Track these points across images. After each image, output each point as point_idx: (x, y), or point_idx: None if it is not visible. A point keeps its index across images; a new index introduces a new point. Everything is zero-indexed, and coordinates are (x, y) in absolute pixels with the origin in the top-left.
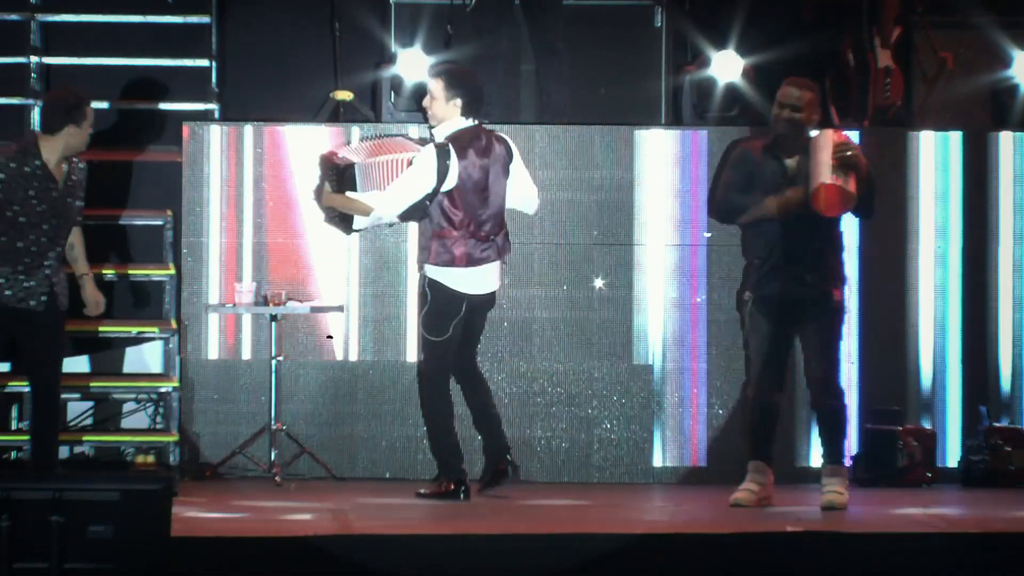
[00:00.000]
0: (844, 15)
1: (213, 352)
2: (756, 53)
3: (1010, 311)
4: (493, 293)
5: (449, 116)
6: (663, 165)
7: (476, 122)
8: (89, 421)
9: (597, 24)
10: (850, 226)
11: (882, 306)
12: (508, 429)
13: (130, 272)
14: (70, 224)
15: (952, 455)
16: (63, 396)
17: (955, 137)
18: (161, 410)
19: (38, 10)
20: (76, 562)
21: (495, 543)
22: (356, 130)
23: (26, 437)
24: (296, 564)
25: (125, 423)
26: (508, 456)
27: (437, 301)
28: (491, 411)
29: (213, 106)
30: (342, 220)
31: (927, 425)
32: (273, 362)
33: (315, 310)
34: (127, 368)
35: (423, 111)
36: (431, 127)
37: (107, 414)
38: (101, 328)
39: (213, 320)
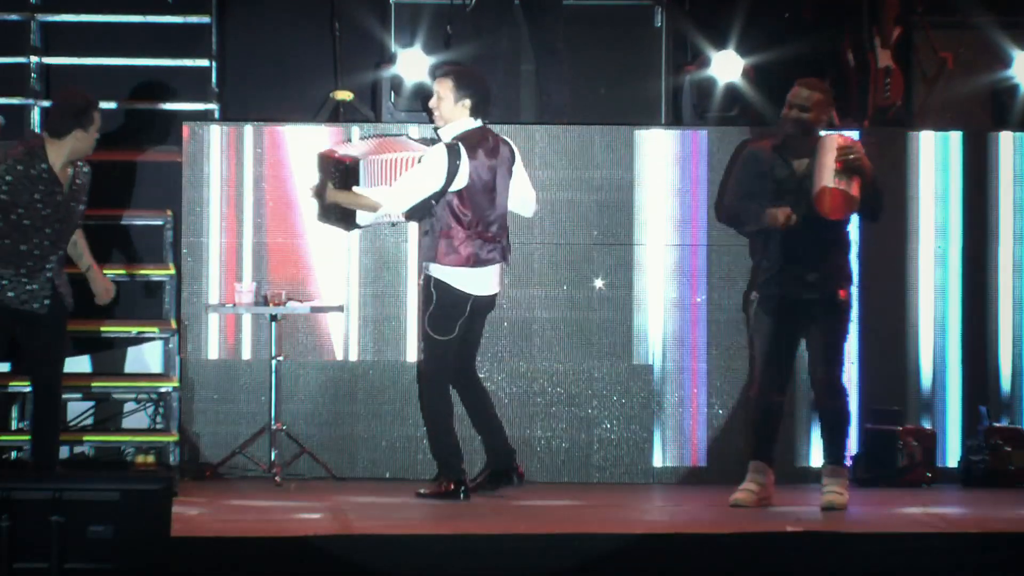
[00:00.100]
0: (844, 15)
1: (213, 352)
2: (756, 53)
3: (1010, 311)
4: (495, 296)
5: (457, 117)
6: (663, 165)
7: (482, 123)
8: (89, 421)
9: (597, 24)
10: (850, 226)
11: (882, 306)
12: (508, 429)
13: (130, 272)
14: (72, 228)
15: (952, 455)
16: (63, 396)
17: (955, 137)
18: (161, 410)
19: (38, 10)
20: (76, 562)
21: (495, 543)
22: (356, 130)
23: (26, 437)
24: (296, 564)
25: (125, 423)
26: (515, 462)
27: (443, 301)
28: (493, 416)
29: (213, 106)
30: (343, 217)
31: (927, 425)
32: (273, 362)
33: (315, 310)
34: (127, 368)
35: (428, 111)
36: (437, 127)
37: (107, 414)
38: (102, 328)
39: (213, 320)
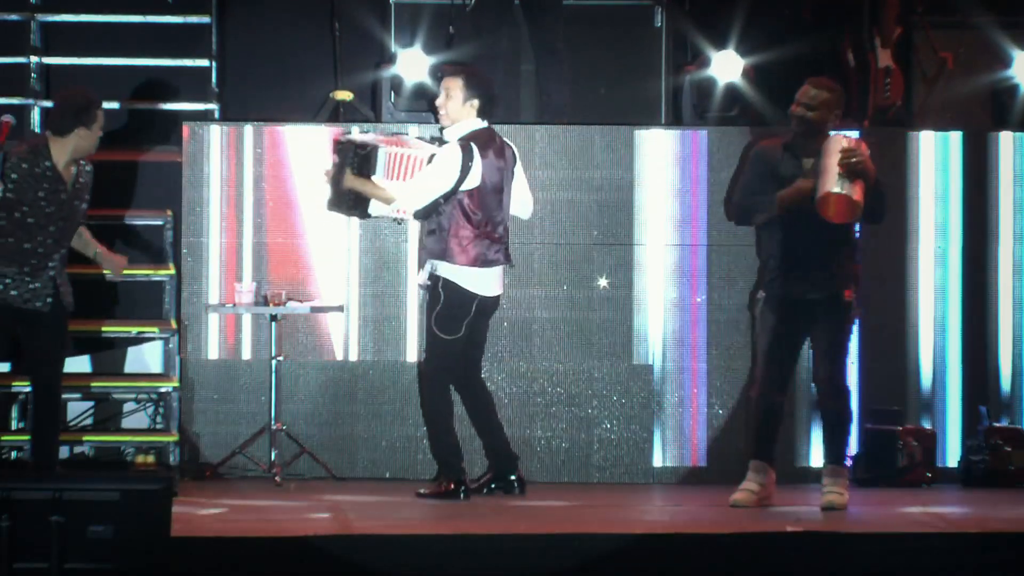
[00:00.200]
0: (844, 15)
1: (213, 352)
2: (756, 53)
3: (1010, 311)
4: (498, 297)
5: (464, 116)
6: (663, 165)
7: (487, 125)
8: (89, 421)
9: (597, 24)
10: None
11: (882, 306)
12: (508, 429)
13: (130, 272)
14: (75, 226)
15: (952, 455)
16: (63, 396)
17: (955, 137)
18: (161, 410)
19: (38, 10)
20: (76, 562)
21: (495, 543)
22: (356, 130)
23: (26, 437)
24: (296, 564)
25: (125, 423)
26: (517, 468)
27: (450, 300)
28: (495, 422)
29: (213, 106)
30: (355, 205)
31: (927, 425)
32: (273, 362)
33: (315, 310)
34: (127, 368)
35: (433, 109)
36: (442, 126)
37: (107, 414)
38: (102, 328)
39: (213, 320)
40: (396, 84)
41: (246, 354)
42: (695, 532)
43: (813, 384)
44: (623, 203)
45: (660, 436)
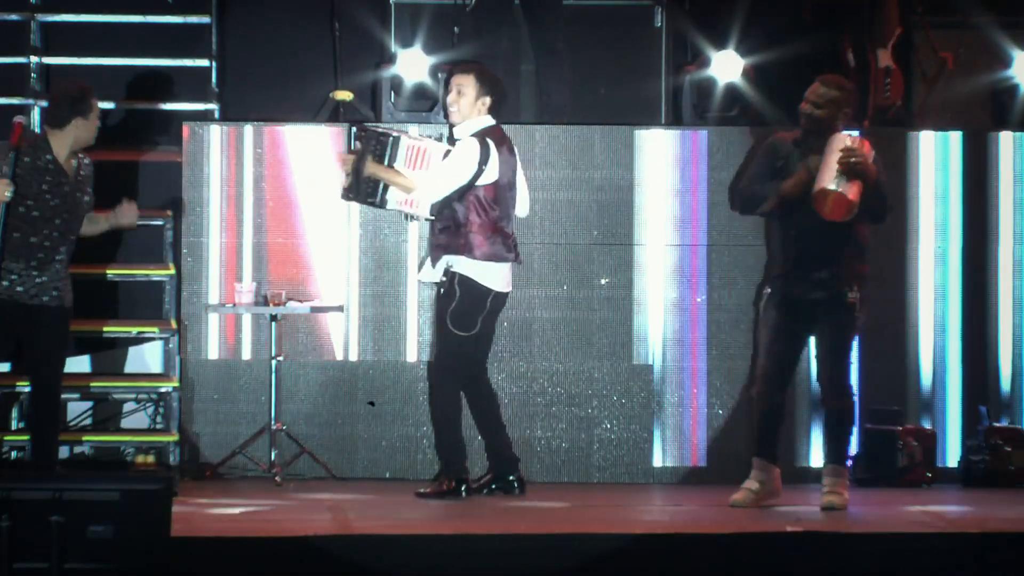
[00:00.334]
0: (844, 15)
1: (213, 352)
2: (756, 53)
3: (1010, 311)
4: (507, 294)
5: (475, 114)
6: (663, 165)
7: (496, 123)
8: (89, 421)
9: (597, 24)
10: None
11: (882, 306)
12: (508, 429)
13: (130, 272)
14: (80, 219)
15: (952, 455)
16: (63, 396)
17: (955, 137)
18: (161, 410)
19: (38, 10)
20: (76, 562)
21: (495, 543)
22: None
23: (26, 437)
24: (296, 564)
25: (125, 423)
26: (518, 470)
27: (465, 296)
28: (499, 422)
29: (213, 106)
30: (372, 193)
31: (927, 425)
32: (273, 362)
33: (315, 310)
34: (127, 368)
35: (442, 104)
36: (452, 123)
37: (107, 414)
38: (102, 328)
39: (213, 320)
40: (396, 84)
41: (246, 354)
42: (695, 532)
43: (817, 384)
44: (623, 203)
45: (660, 436)
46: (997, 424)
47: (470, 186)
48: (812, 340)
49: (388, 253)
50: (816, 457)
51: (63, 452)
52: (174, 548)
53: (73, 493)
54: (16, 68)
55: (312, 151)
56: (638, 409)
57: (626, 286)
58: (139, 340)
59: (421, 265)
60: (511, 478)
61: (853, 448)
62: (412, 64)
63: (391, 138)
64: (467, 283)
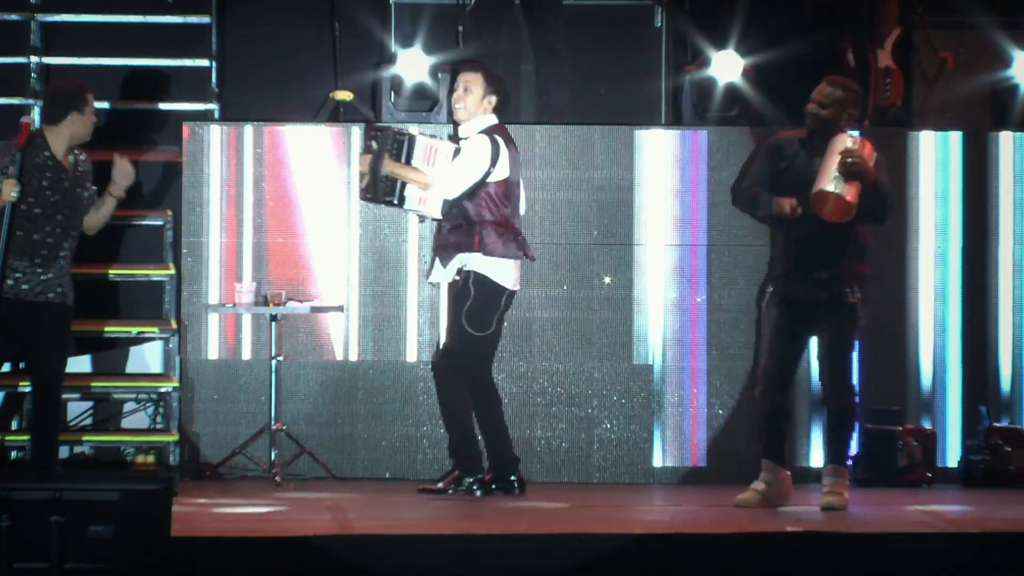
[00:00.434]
0: (844, 15)
1: (213, 352)
2: (756, 53)
3: (1010, 311)
4: (515, 292)
5: (481, 112)
6: (663, 165)
7: (499, 122)
8: (89, 421)
9: (597, 24)
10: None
11: (882, 306)
12: (509, 429)
13: (130, 272)
14: (81, 215)
15: (952, 455)
16: (64, 396)
17: (955, 137)
18: (161, 410)
19: (38, 10)
20: (76, 562)
21: (495, 543)
22: (356, 130)
23: (27, 437)
24: (296, 564)
25: (125, 423)
26: (518, 471)
27: (480, 295)
28: (501, 422)
29: (213, 106)
30: (391, 191)
31: (927, 425)
32: (273, 362)
33: (315, 310)
34: (127, 368)
35: (448, 102)
36: (458, 120)
37: (107, 414)
38: (102, 328)
39: (213, 320)
40: (396, 84)
41: (246, 354)
42: (695, 532)
43: (818, 383)
44: (623, 203)
45: (660, 436)
46: (997, 424)
47: (482, 183)
48: (814, 340)
49: (388, 253)
50: (816, 457)
51: (63, 452)
52: (174, 548)
53: (73, 493)
54: (16, 68)
55: (312, 151)
56: (638, 409)
57: (626, 286)
58: (139, 340)
59: (430, 269)
60: (511, 478)
61: (853, 448)
62: (412, 64)
63: (408, 136)
64: (482, 281)
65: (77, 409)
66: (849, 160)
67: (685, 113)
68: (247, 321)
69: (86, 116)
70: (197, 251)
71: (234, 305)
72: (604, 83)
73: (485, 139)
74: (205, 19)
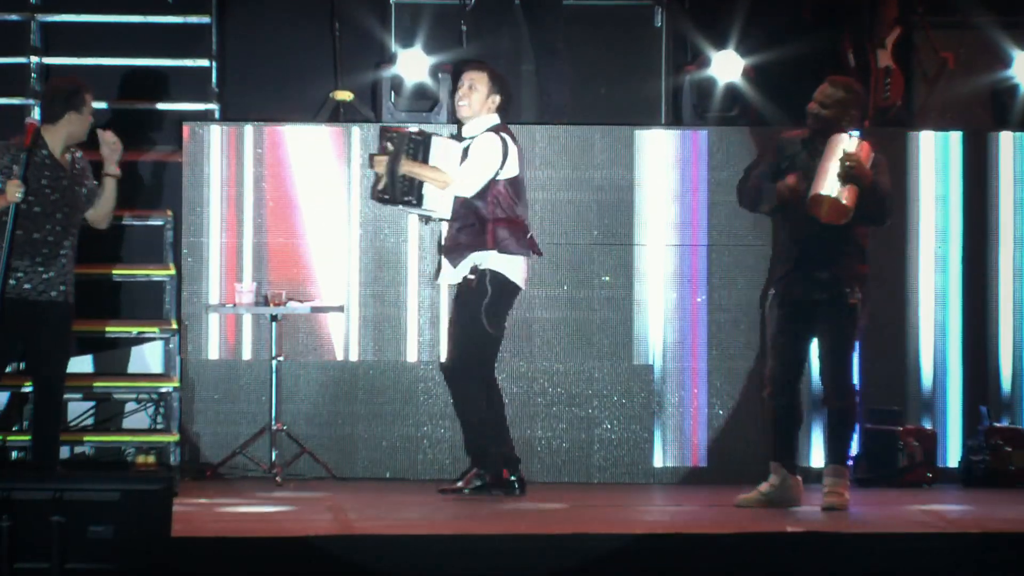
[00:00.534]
0: (844, 15)
1: (213, 352)
2: (756, 53)
3: (1011, 311)
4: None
5: (486, 111)
6: (663, 165)
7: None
8: (90, 421)
9: (597, 24)
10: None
11: (882, 306)
12: (508, 429)
13: (131, 272)
14: (80, 212)
15: (953, 455)
16: (64, 396)
17: (955, 137)
18: (162, 410)
19: (38, 10)
20: (77, 562)
21: (495, 543)
22: (356, 130)
23: (28, 437)
24: (296, 564)
25: (126, 423)
26: (519, 470)
27: (497, 292)
28: (504, 422)
29: (213, 106)
30: (409, 191)
31: (927, 425)
32: (273, 362)
33: (315, 310)
34: (128, 368)
35: (453, 101)
36: (462, 118)
37: (108, 414)
38: (103, 328)
39: (213, 320)
40: (396, 84)
41: (246, 354)
42: (695, 532)
43: (819, 384)
44: (623, 203)
45: (660, 436)
46: (997, 424)
47: (493, 181)
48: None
49: (388, 253)
50: (816, 457)
51: (64, 452)
52: (174, 548)
53: (74, 493)
54: (16, 68)
55: (312, 151)
56: (638, 409)
57: (626, 286)
58: (140, 340)
59: (437, 270)
60: (512, 478)
61: (854, 448)
62: (412, 64)
63: (425, 137)
64: (498, 279)
65: (78, 409)
66: (848, 164)
67: (685, 113)
68: (247, 321)
69: (84, 116)
70: (197, 251)
71: (234, 305)
72: (604, 83)
73: (495, 137)
74: (205, 19)
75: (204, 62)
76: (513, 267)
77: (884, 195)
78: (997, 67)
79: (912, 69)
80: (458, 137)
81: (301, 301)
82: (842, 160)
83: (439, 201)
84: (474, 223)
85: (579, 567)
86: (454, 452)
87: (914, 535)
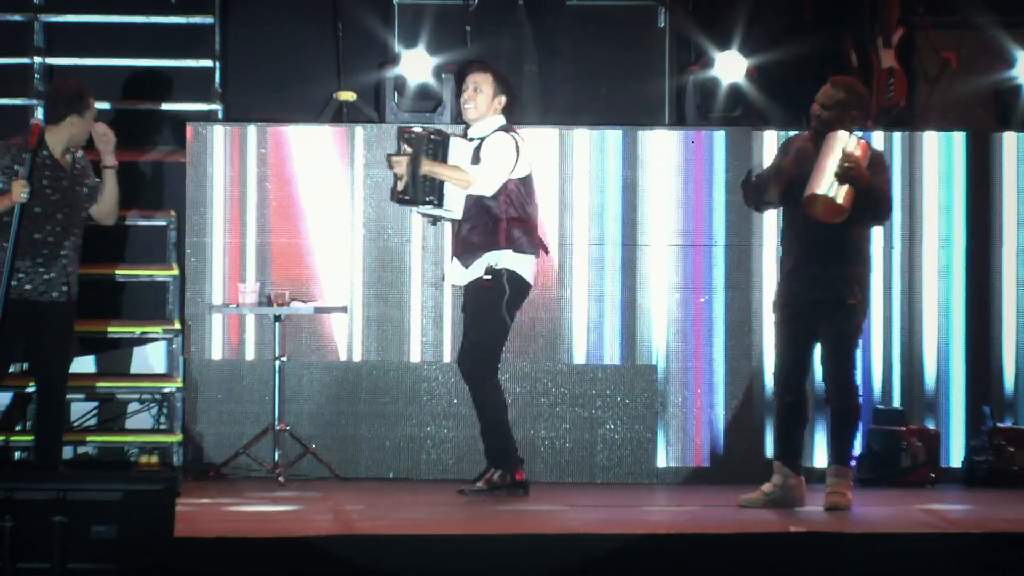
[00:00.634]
0: (846, 16)
1: (217, 352)
2: (759, 53)
3: (1014, 312)
4: None
5: (492, 112)
6: (666, 165)
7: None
8: (93, 421)
9: (600, 24)
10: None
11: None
12: (513, 429)
13: (134, 272)
14: (80, 212)
15: (956, 455)
16: (67, 396)
17: (958, 138)
18: (165, 410)
19: (41, 10)
20: (79, 562)
21: (496, 543)
22: (359, 131)
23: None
24: (299, 564)
25: (129, 423)
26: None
27: (514, 290)
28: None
29: (217, 106)
30: (430, 192)
31: (931, 425)
32: (276, 362)
33: (318, 310)
34: (131, 368)
35: (459, 103)
36: (468, 120)
37: (111, 414)
38: (105, 328)
39: (217, 320)
40: (399, 84)
41: (250, 354)
42: (698, 532)
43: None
44: (626, 203)
45: (664, 436)
46: (1001, 425)
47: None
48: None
49: (391, 253)
50: (818, 457)
51: (67, 452)
52: (177, 548)
53: (76, 493)
54: (19, 68)
55: (316, 151)
56: (642, 409)
57: (630, 287)
58: (143, 340)
59: (447, 271)
60: (520, 476)
61: (857, 448)
62: (415, 64)
63: (444, 137)
64: (515, 278)
65: (81, 409)
66: (846, 165)
67: (688, 113)
68: (251, 321)
69: (86, 120)
70: (201, 251)
71: (238, 305)
72: (607, 83)
73: (507, 136)
74: (208, 20)
75: (207, 62)
76: (526, 266)
77: (881, 195)
78: (999, 67)
79: (915, 69)
80: (464, 138)
81: (304, 301)
82: (841, 161)
83: (456, 201)
84: (487, 223)
85: (581, 567)
86: (457, 452)
87: (916, 535)
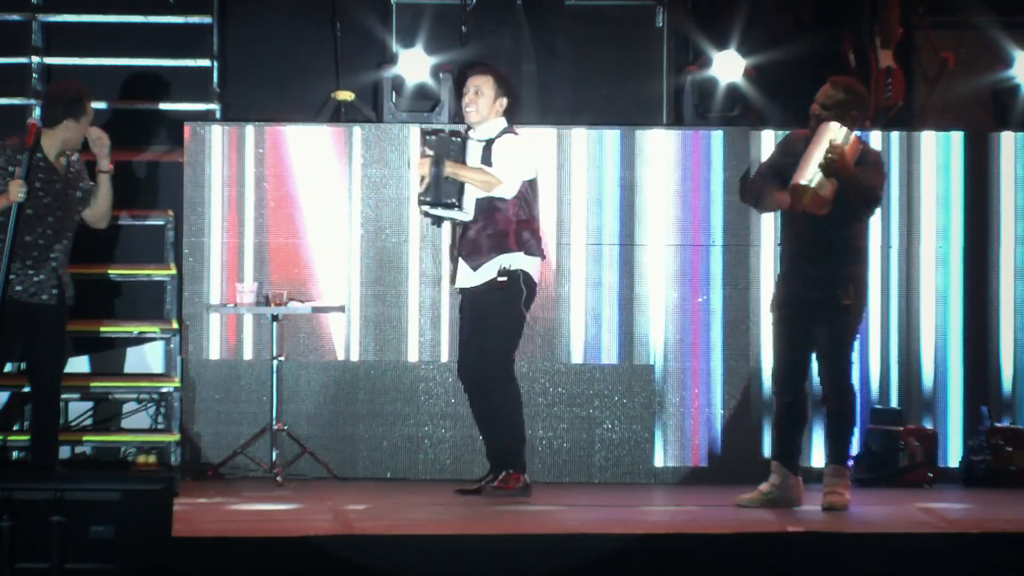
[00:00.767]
0: (845, 15)
1: (214, 352)
2: (757, 53)
3: (1012, 311)
4: None
5: (494, 115)
6: (664, 165)
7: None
8: (90, 421)
9: (598, 24)
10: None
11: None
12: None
13: (132, 272)
14: (73, 216)
15: (953, 455)
16: (64, 396)
17: (956, 137)
18: (162, 410)
19: (39, 10)
20: (77, 562)
21: (496, 543)
22: (357, 130)
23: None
24: (297, 564)
25: (126, 423)
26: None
27: (529, 291)
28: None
29: (214, 106)
30: (452, 193)
31: (928, 425)
32: (274, 362)
33: (316, 310)
34: (128, 368)
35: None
36: (471, 124)
37: (108, 414)
38: (102, 328)
39: (214, 320)
40: (398, 84)
41: (247, 354)
42: (696, 532)
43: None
44: (624, 203)
45: (661, 436)
46: (998, 424)
47: None
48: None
49: (389, 253)
50: (816, 457)
51: (64, 452)
52: (175, 548)
53: (74, 493)
54: (17, 68)
55: (314, 151)
56: (639, 409)
57: (627, 286)
58: (140, 340)
59: (453, 274)
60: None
61: (854, 448)
62: (414, 64)
63: (462, 138)
64: (529, 279)
65: (78, 409)
66: (830, 156)
67: (687, 113)
68: (248, 321)
69: (81, 125)
70: (198, 251)
71: (235, 305)
72: (605, 83)
73: (519, 138)
74: (206, 19)
75: (205, 62)
76: (534, 267)
77: (866, 189)
78: (998, 67)
79: (913, 69)
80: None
81: (302, 301)
82: (826, 152)
83: (470, 203)
84: (497, 225)
85: (580, 567)
86: (455, 452)
87: (914, 535)
